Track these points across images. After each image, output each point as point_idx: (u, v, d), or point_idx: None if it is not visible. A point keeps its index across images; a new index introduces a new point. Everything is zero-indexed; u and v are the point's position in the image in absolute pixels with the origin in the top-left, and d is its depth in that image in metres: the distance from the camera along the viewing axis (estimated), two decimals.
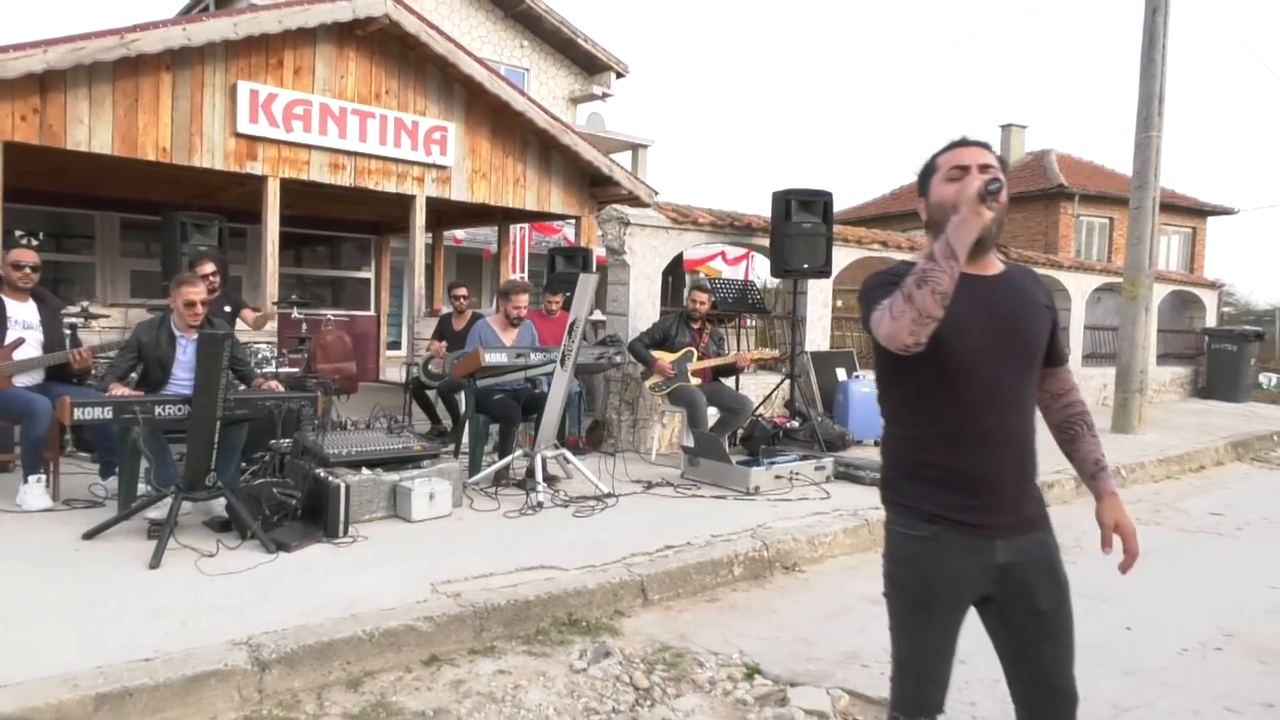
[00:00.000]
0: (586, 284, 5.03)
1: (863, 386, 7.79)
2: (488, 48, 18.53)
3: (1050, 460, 7.00)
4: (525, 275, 14.10)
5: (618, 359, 6.07)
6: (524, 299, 5.87)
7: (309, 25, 7.70)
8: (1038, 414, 2.13)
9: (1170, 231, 25.71)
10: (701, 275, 15.53)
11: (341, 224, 13.28)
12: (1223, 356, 13.49)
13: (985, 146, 2.03)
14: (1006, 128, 26.56)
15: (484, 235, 15.26)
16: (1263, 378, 15.40)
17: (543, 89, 19.78)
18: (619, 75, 20.85)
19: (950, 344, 1.91)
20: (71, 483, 5.18)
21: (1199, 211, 25.77)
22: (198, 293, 4.80)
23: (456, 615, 3.57)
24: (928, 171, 2.06)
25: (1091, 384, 11.79)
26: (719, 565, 4.46)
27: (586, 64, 20.30)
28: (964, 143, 2.04)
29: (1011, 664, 2.06)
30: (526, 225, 14.66)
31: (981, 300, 1.97)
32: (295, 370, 6.09)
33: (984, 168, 1.96)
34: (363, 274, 14.17)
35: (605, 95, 20.95)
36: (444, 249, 14.70)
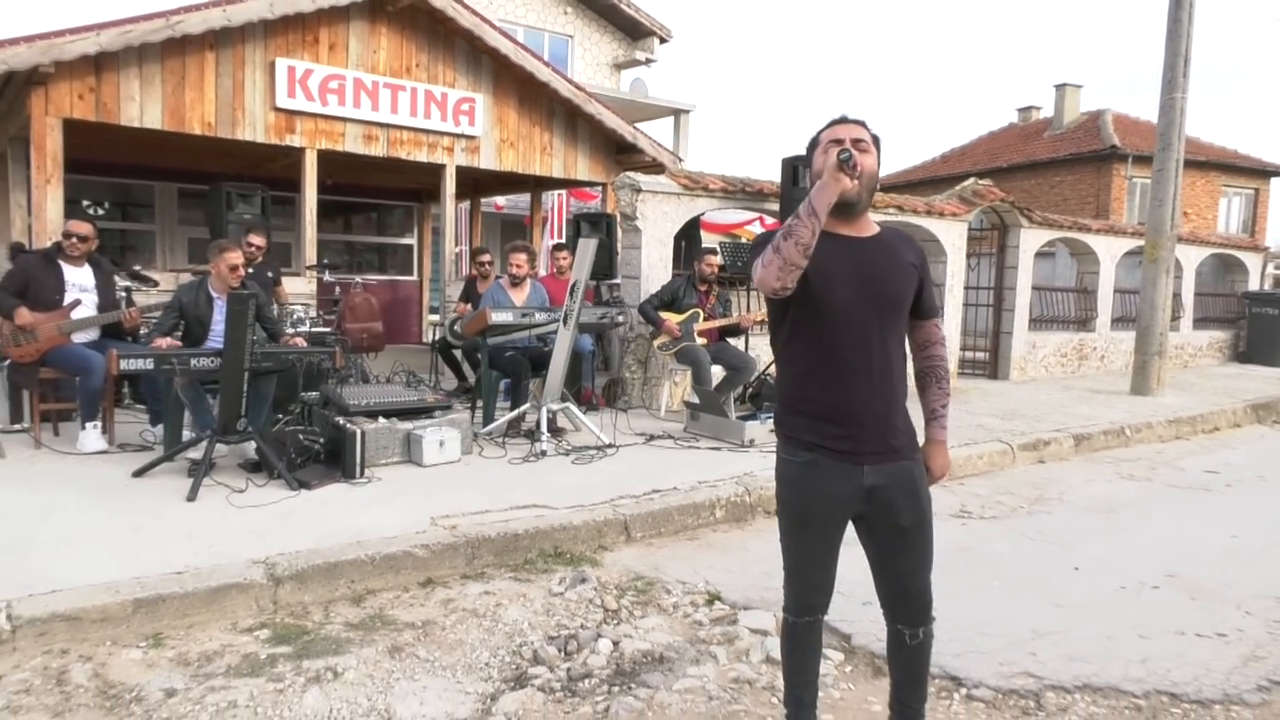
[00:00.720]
0: (586, 248, 5.38)
1: None
2: (531, 15, 18.80)
3: (1051, 421, 7.21)
4: (562, 240, 14.46)
5: (620, 319, 6.42)
6: (521, 258, 6.25)
7: (341, 3, 8.11)
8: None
9: (1231, 193, 25.05)
10: (744, 240, 15.72)
11: (384, 192, 13.79)
12: (1263, 320, 13.31)
13: (860, 124, 2.32)
14: (1061, 87, 26.04)
15: (526, 202, 15.66)
16: None
17: (586, 55, 20.00)
18: (662, 40, 20.95)
19: (823, 296, 2.24)
20: (126, 430, 5.76)
21: (1262, 172, 25.04)
22: (239, 256, 5.28)
23: (450, 544, 4.00)
24: (812, 145, 2.36)
25: (1121, 348, 11.80)
26: (701, 508, 4.82)
27: (630, 29, 20.41)
28: (842, 120, 2.33)
29: (878, 572, 2.39)
30: (564, 192, 15.01)
31: (852, 258, 2.27)
32: (326, 330, 6.56)
33: (856, 142, 2.26)
34: (405, 240, 14.70)
35: (649, 60, 21.07)
36: (487, 215, 15.15)
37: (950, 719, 2.84)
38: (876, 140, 2.33)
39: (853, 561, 2.47)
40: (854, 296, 2.25)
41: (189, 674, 2.98)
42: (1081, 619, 3.61)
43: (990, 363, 10.71)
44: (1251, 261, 14.17)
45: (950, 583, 4.02)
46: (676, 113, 20.67)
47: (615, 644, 3.32)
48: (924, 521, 2.33)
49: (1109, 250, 11.54)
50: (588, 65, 19.88)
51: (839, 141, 2.25)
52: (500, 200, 15.75)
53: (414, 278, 14.40)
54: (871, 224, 2.37)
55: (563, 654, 3.27)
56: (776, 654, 3.24)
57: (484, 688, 3.00)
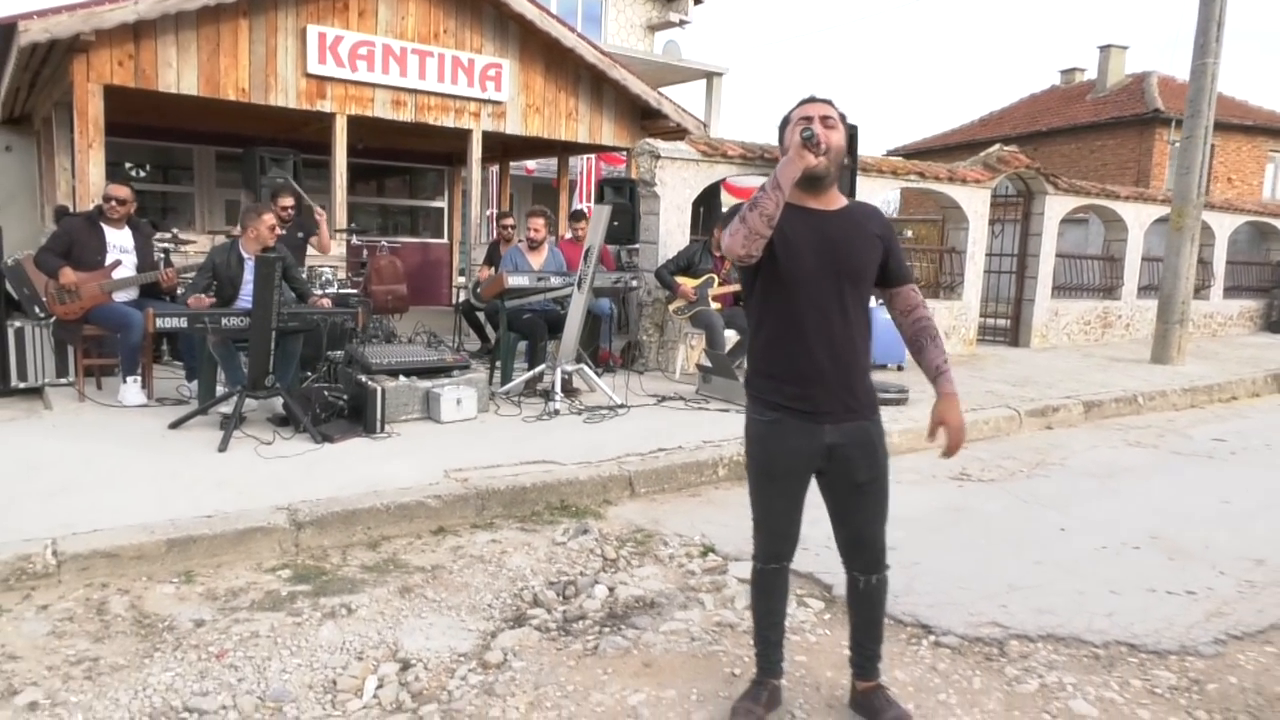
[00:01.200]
0: (600, 214, 5.55)
1: (885, 313, 8.11)
2: None
3: (1063, 388, 7.31)
4: (591, 204, 14.61)
5: (634, 284, 6.60)
6: (539, 222, 6.45)
7: None
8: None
9: (1279, 159, 24.42)
10: None
11: (416, 155, 14.00)
12: None
13: (828, 103, 2.46)
14: (1105, 48, 25.49)
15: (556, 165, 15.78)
16: None
17: (620, 16, 19.93)
18: (697, 2, 20.82)
19: (788, 265, 2.40)
20: (164, 385, 6.09)
21: None
22: (273, 217, 5.55)
23: (461, 496, 4.25)
24: (784, 123, 2.51)
25: (1147, 316, 11.70)
26: (704, 466, 5.02)
27: None
28: (811, 100, 2.48)
29: (837, 523, 2.58)
30: (594, 156, 15.12)
31: (817, 230, 2.43)
32: (352, 291, 6.82)
33: (824, 119, 2.40)
34: (437, 203, 14.93)
35: (683, 22, 20.94)
36: (520, 179, 15.29)
37: (916, 663, 3.02)
38: (843, 119, 2.47)
39: None
40: (818, 266, 2.40)
41: (216, 607, 3.26)
42: (1058, 575, 3.77)
43: (1011, 330, 10.74)
44: None
45: (938, 539, 4.21)
46: (709, 75, 20.52)
47: (611, 590, 3.55)
48: (880, 478, 2.50)
49: (1137, 218, 11.44)
50: (621, 27, 19.82)
51: (808, 119, 2.39)
52: (531, 164, 15.90)
53: (444, 240, 14.65)
54: (839, 198, 2.52)
55: (561, 598, 3.50)
56: None
57: (485, 626, 3.24)
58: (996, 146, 9.98)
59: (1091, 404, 7.19)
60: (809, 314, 2.42)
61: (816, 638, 3.22)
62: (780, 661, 2.71)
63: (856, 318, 2.47)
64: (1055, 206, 10.43)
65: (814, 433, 2.45)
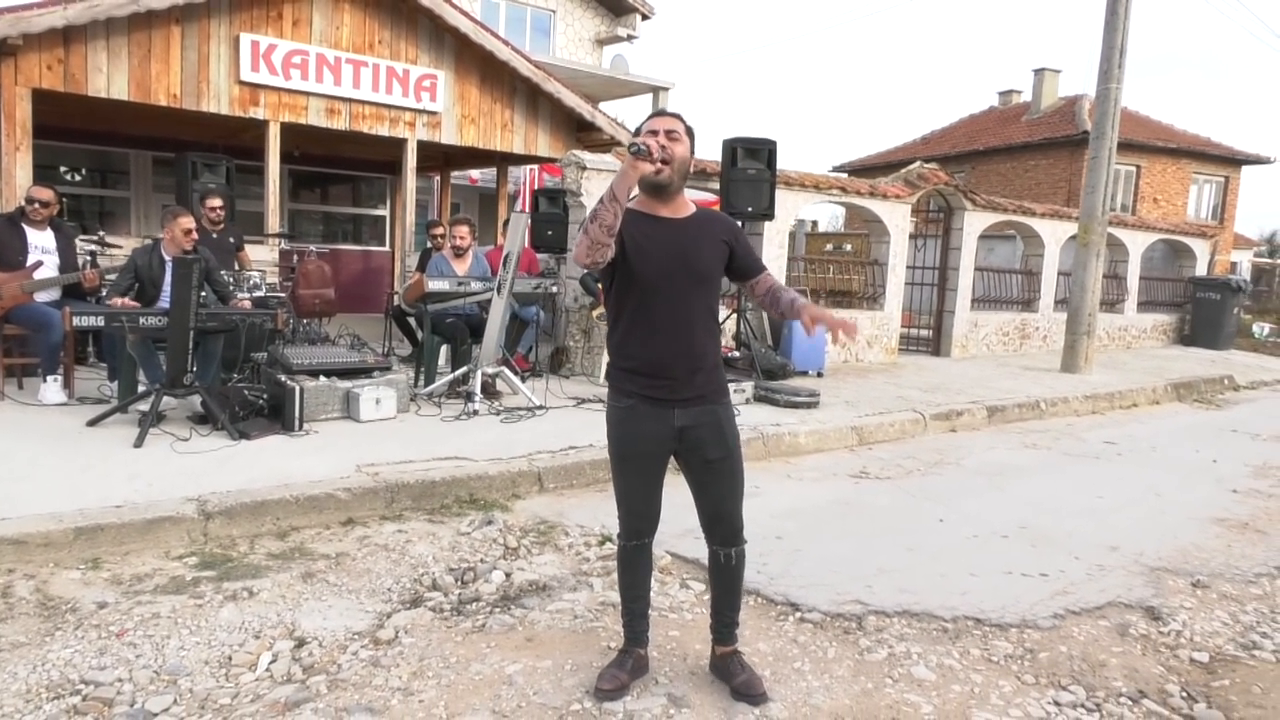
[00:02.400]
0: (518, 222, 5.77)
1: None
2: None
3: (972, 394, 7.65)
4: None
5: (554, 289, 6.82)
6: (463, 230, 6.64)
7: None
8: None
9: (1201, 180, 25.49)
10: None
11: (358, 164, 14.07)
12: (1207, 305, 13.77)
13: (677, 117, 2.71)
14: (1039, 72, 26.35)
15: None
16: (1256, 327, 15.61)
17: (569, 30, 20.20)
18: (645, 17, 21.17)
19: (639, 268, 2.63)
20: (86, 385, 6.14)
21: (1232, 160, 25.44)
22: (191, 221, 5.67)
23: (371, 489, 4.41)
24: (636, 133, 2.75)
25: (1063, 327, 12.22)
26: None
27: (612, 5, 20.62)
28: (661, 114, 2.72)
29: (696, 500, 2.82)
30: (536, 167, 15.32)
31: (667, 235, 2.67)
32: (273, 295, 6.93)
33: (669, 133, 2.64)
34: (379, 211, 15.01)
35: (630, 37, 21.29)
36: (462, 189, 15.37)
37: (779, 635, 3.27)
38: (690, 132, 2.71)
39: None
40: (666, 268, 2.63)
41: (120, 591, 3.39)
42: (925, 561, 4.05)
43: (933, 340, 11.16)
44: (1199, 247, 14.62)
45: (824, 530, 4.48)
46: (655, 90, 20.85)
47: (508, 575, 3.74)
48: (730, 456, 2.73)
49: (1053, 233, 11.96)
50: (570, 40, 20.10)
51: (654, 133, 2.63)
52: (475, 174, 16.05)
53: (387, 248, 14.72)
54: (688, 206, 2.76)
55: (459, 583, 3.68)
56: None
57: (383, 608, 3.41)
58: (917, 163, 10.40)
59: (995, 409, 7.56)
60: (658, 311, 2.65)
61: (693, 616, 3.45)
62: (645, 632, 2.93)
63: (702, 314, 2.70)
64: (974, 222, 10.88)
65: (665, 417, 2.68)
